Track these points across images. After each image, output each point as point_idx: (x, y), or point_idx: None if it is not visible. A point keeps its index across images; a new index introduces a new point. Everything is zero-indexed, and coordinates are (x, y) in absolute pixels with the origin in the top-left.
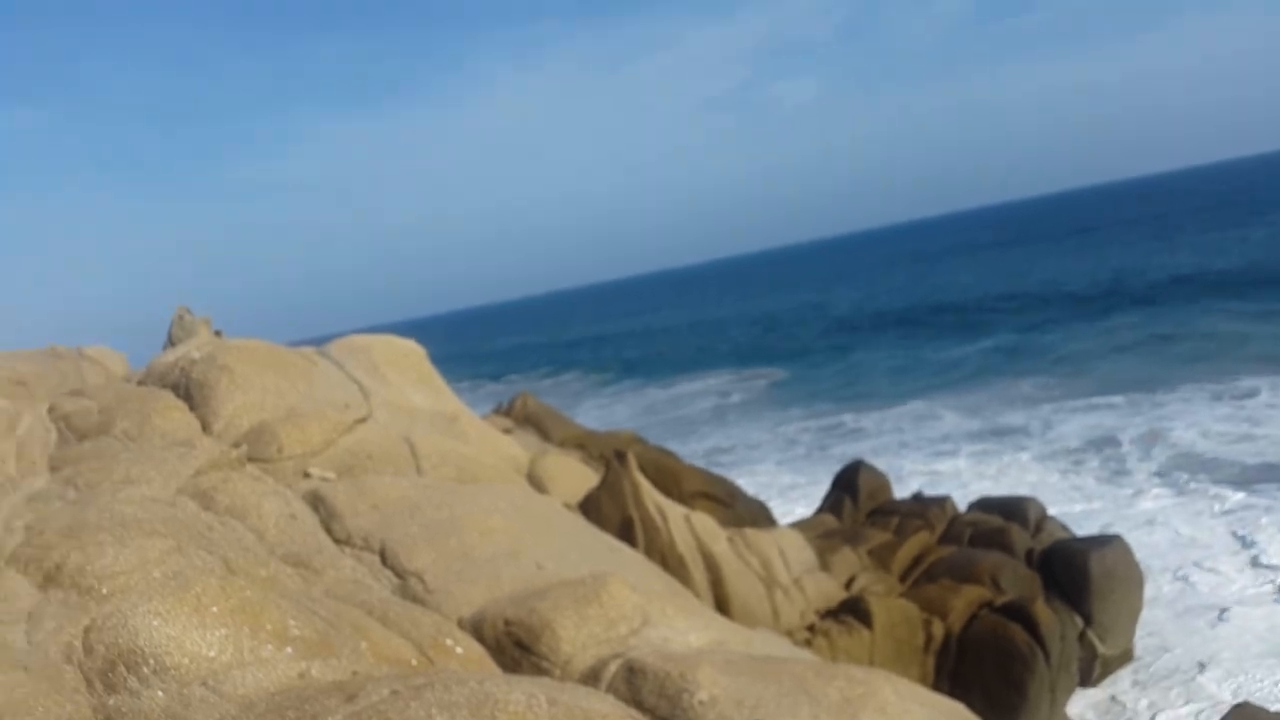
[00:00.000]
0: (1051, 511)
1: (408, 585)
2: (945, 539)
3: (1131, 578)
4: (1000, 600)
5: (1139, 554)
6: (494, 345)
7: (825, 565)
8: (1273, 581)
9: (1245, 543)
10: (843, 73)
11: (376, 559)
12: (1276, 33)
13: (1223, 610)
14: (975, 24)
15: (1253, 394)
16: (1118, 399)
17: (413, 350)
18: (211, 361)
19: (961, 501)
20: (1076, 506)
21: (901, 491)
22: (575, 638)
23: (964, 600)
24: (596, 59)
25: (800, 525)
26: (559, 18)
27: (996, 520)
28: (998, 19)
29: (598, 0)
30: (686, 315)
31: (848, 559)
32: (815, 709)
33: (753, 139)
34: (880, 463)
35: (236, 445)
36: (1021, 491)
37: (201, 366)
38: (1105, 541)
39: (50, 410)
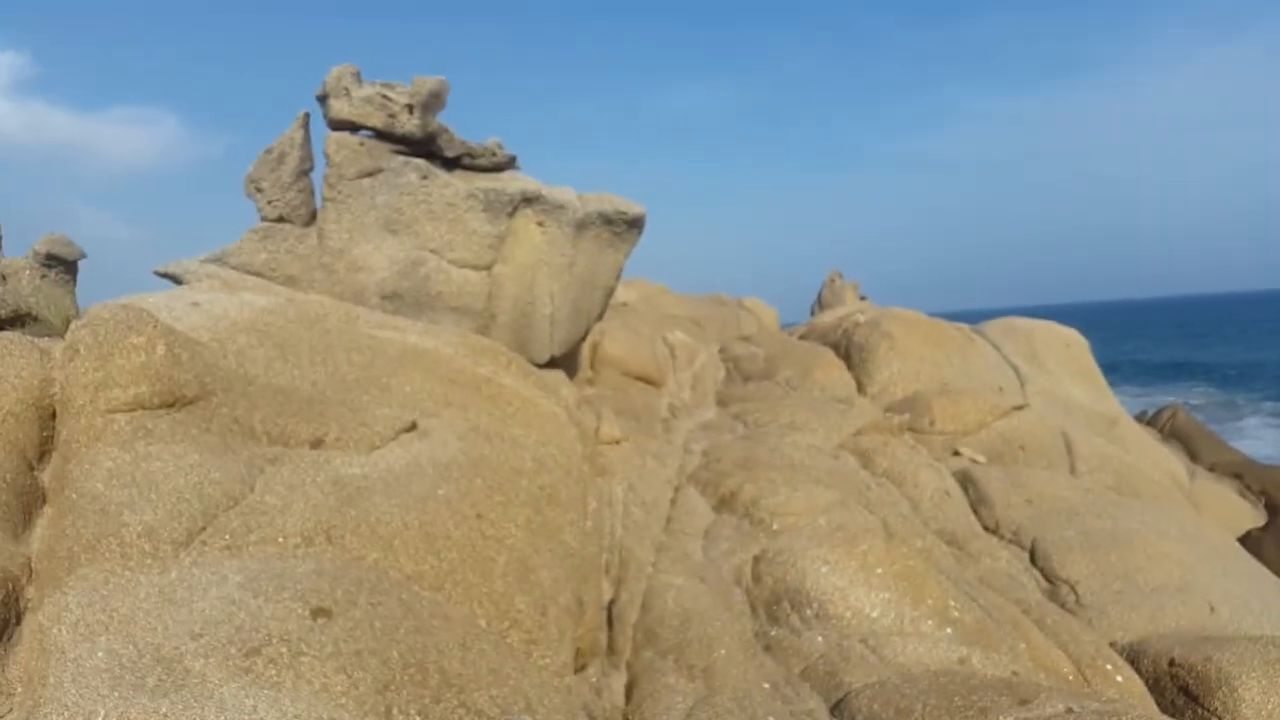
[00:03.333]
0: None
1: (1057, 592)
2: None
3: None
4: None
5: None
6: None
7: None
8: None
9: None
10: None
11: (1025, 556)
12: None
13: None
14: None
15: None
16: None
17: (1075, 340)
18: (874, 326)
19: None
20: None
21: None
22: (1261, 705)
23: None
24: None
25: None
26: None
27: None
28: None
29: None
30: None
31: None
32: None
33: None
34: None
35: (889, 410)
36: None
37: (864, 330)
38: None
39: (721, 351)
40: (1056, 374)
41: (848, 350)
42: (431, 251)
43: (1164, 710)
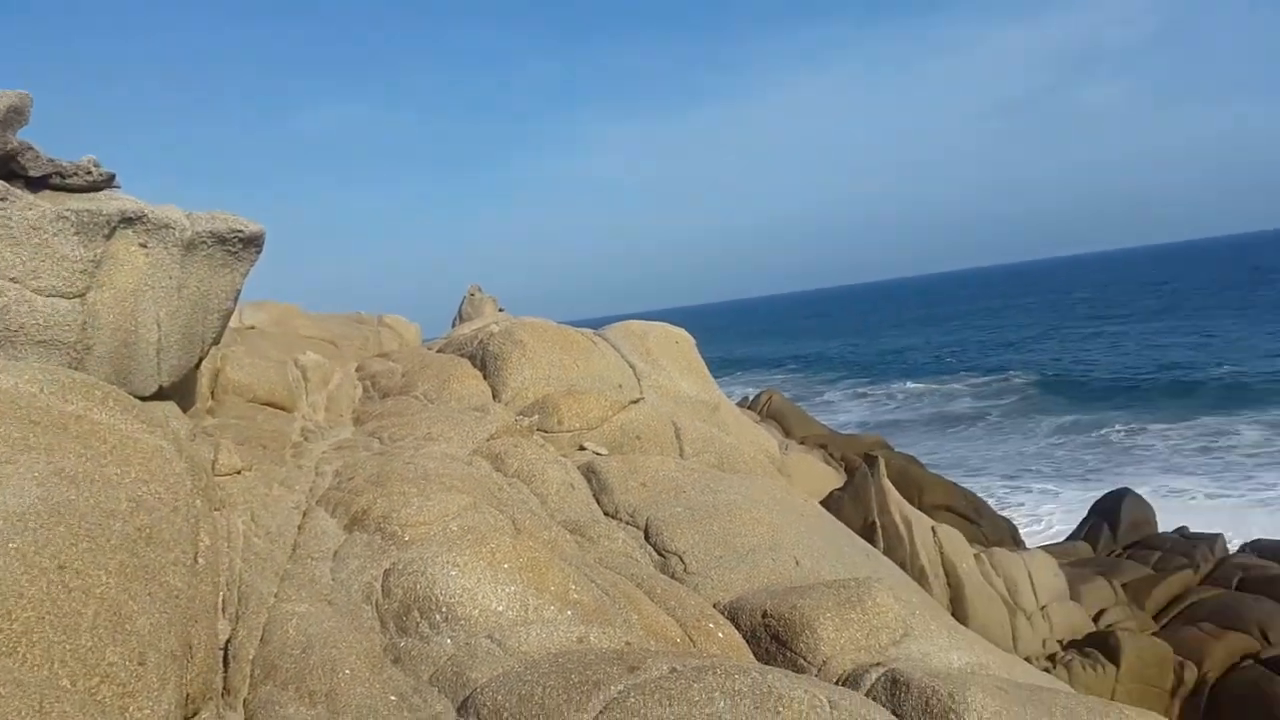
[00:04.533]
0: None
1: (668, 564)
2: (1210, 581)
3: None
4: (1269, 653)
5: None
6: (747, 338)
7: (1076, 595)
8: None
9: None
10: (1153, 80)
11: (640, 534)
12: None
13: None
14: None
15: None
16: None
17: (683, 338)
18: (508, 336)
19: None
20: None
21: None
22: (835, 640)
23: (1225, 648)
24: (886, 60)
25: (1052, 550)
26: (850, 20)
27: (1273, 567)
28: None
29: (892, 3)
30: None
31: (1100, 590)
32: None
33: (1044, 145)
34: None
35: (521, 414)
36: None
37: (498, 340)
38: None
39: (358, 369)
40: (668, 369)
41: (483, 360)
42: (11, 280)
43: (760, 658)
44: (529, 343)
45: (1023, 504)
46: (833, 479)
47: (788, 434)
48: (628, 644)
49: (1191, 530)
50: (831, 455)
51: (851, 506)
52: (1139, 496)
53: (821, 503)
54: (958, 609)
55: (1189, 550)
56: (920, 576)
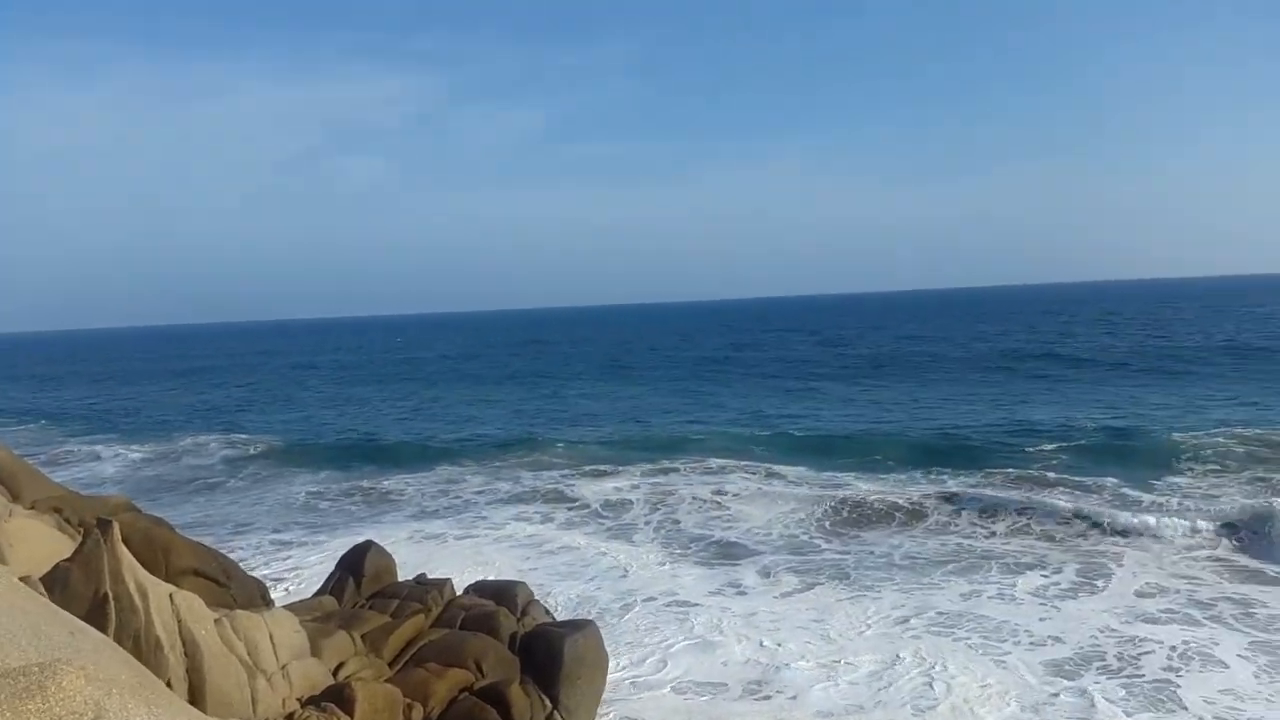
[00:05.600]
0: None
1: None
2: (439, 622)
3: (599, 661)
4: (481, 684)
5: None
6: None
7: (316, 650)
8: None
9: None
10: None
11: None
12: None
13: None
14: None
15: None
16: None
17: None
18: None
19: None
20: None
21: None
22: None
23: (446, 684)
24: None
25: (297, 607)
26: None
27: (488, 604)
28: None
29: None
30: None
31: (340, 643)
32: None
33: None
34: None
35: None
36: None
37: None
38: (580, 626)
39: None
40: None
41: None
42: None
43: None
44: None
45: (290, 557)
46: (67, 547)
47: (16, 496)
48: None
49: (430, 576)
50: (68, 520)
51: (81, 577)
52: (380, 547)
53: (47, 576)
54: (195, 677)
55: (422, 595)
56: (156, 647)
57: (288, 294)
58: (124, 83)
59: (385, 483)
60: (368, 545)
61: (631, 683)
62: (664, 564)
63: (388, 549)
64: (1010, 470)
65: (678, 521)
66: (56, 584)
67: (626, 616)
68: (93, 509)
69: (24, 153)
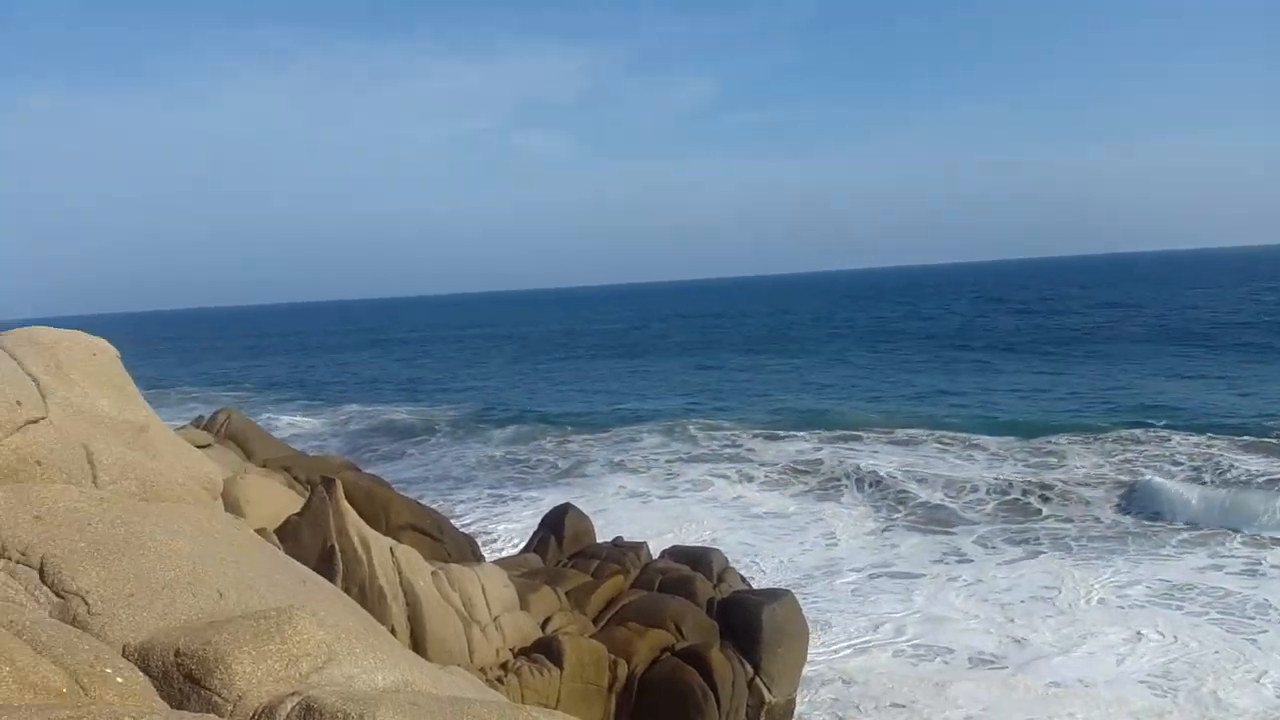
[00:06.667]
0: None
1: (69, 606)
2: (637, 584)
3: (799, 632)
4: (681, 645)
5: None
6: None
7: (525, 604)
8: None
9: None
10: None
11: (35, 575)
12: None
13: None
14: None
15: None
16: None
17: (103, 350)
18: None
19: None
20: None
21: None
22: (252, 674)
23: (649, 644)
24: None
25: (504, 562)
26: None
27: (684, 569)
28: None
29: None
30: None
31: (546, 599)
32: None
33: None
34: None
35: None
36: None
37: None
38: (778, 595)
39: None
40: (82, 384)
41: None
42: None
43: (173, 700)
44: None
45: (498, 515)
46: (296, 503)
47: (249, 456)
48: None
49: (636, 534)
50: (296, 478)
51: (310, 531)
52: (578, 509)
53: (279, 529)
54: (416, 625)
55: (620, 557)
56: (379, 597)
57: (467, 268)
58: (310, 68)
59: (573, 445)
60: (566, 507)
61: (852, 648)
62: (874, 531)
63: (593, 507)
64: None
65: (880, 486)
66: (288, 536)
67: (839, 582)
68: (317, 468)
69: (224, 140)
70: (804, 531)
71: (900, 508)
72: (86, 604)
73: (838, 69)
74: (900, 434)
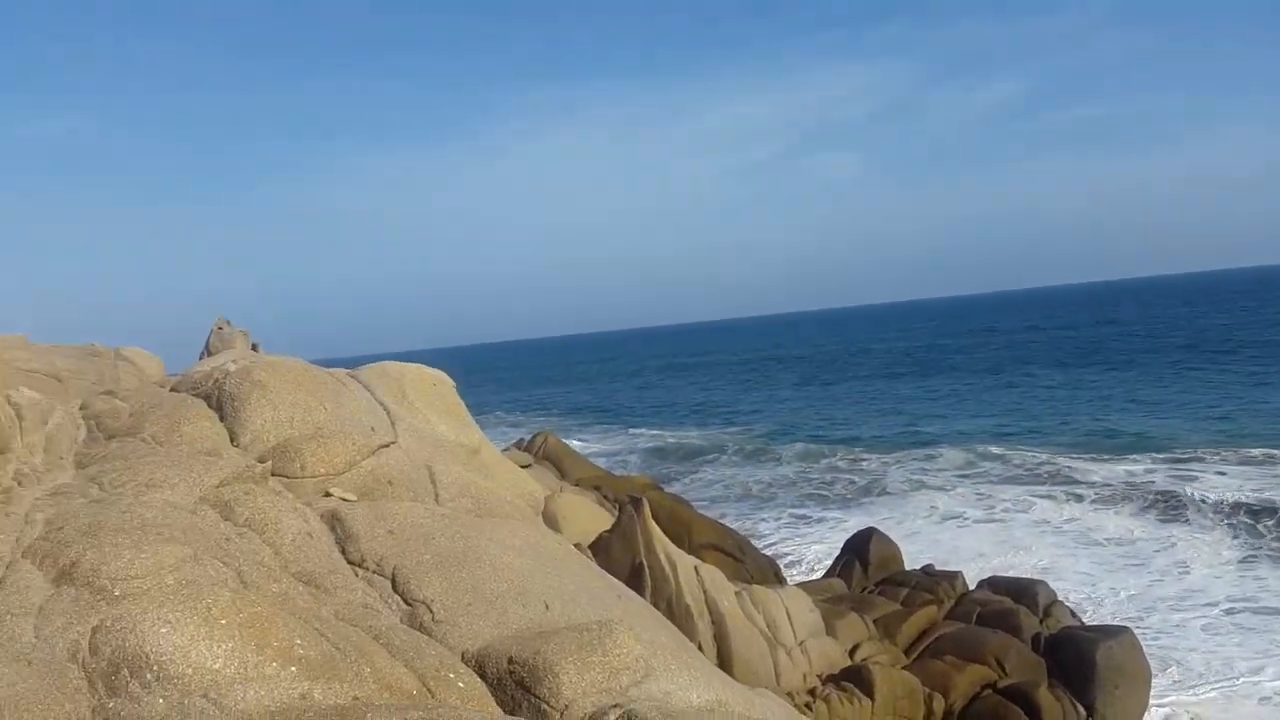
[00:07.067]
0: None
1: (416, 613)
2: (952, 615)
3: (1139, 672)
4: (1004, 683)
5: None
6: (515, 382)
7: (831, 630)
8: None
9: None
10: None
11: (388, 584)
12: None
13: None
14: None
15: None
16: None
17: (441, 380)
18: (245, 375)
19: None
20: None
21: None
22: (577, 683)
23: (968, 679)
24: (630, 120)
25: (808, 587)
26: (606, 78)
27: (1006, 601)
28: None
29: (641, 63)
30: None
31: (854, 625)
32: None
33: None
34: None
35: (262, 459)
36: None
37: (235, 379)
38: (1115, 633)
39: (82, 408)
40: (424, 412)
41: (219, 400)
42: None
43: (506, 705)
44: (270, 383)
45: (797, 538)
46: (606, 521)
47: (563, 476)
48: (355, 699)
49: (956, 559)
50: (605, 497)
51: (620, 548)
52: (883, 534)
53: (592, 545)
54: (722, 645)
55: (932, 586)
56: (686, 614)
57: (756, 294)
58: (612, 112)
59: (869, 464)
60: (871, 531)
61: (1211, 692)
62: (1231, 561)
63: (903, 529)
64: None
65: (1237, 510)
66: (600, 552)
67: (1189, 617)
68: (624, 487)
69: (536, 184)
70: (1151, 560)
71: (1265, 535)
72: (431, 612)
73: (1160, 54)
74: (1256, 453)
